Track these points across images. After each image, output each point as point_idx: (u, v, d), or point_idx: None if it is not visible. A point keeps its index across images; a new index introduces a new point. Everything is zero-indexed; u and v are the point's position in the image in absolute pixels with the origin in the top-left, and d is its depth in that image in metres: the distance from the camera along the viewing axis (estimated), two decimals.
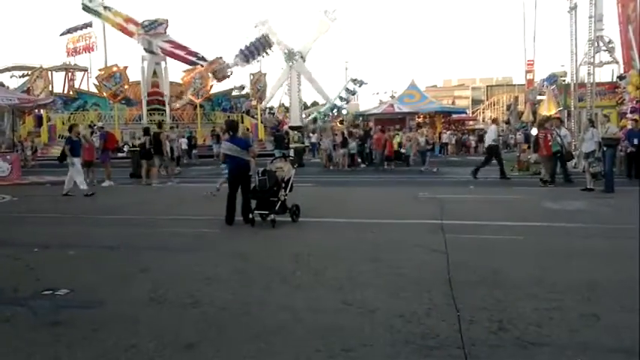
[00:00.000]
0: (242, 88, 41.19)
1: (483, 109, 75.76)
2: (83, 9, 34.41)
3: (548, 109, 29.43)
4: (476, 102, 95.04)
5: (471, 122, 55.50)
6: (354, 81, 44.93)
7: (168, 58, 34.92)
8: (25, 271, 6.13)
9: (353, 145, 23.87)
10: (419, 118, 38.32)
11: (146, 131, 17.26)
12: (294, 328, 4.32)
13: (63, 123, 31.08)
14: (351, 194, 14.32)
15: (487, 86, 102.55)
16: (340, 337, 4.13)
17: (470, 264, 6.29)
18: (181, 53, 34.44)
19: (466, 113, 60.57)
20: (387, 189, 15.32)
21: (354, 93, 45.28)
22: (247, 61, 39.23)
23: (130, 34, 34.07)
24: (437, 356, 3.78)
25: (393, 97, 45.12)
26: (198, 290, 5.38)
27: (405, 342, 4.00)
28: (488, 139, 17.68)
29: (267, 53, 39.48)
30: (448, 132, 36.90)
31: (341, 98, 45.33)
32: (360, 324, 4.40)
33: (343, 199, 12.93)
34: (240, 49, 39.04)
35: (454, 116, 47.22)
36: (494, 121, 20.15)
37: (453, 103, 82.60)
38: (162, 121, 25.94)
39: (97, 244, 7.66)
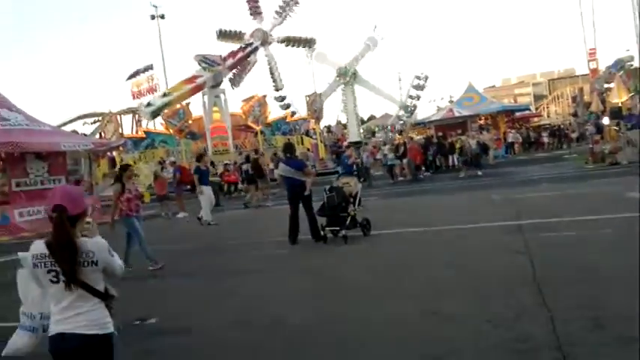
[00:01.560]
0: (282, 98, 41.70)
1: (547, 104, 72.88)
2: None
3: (618, 96, 27.99)
4: (538, 98, 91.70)
5: (535, 119, 53.50)
6: (419, 77, 43.93)
7: (227, 91, 36.14)
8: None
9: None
10: (480, 120, 37.39)
11: (247, 158, 18.14)
12: (378, 342, 4.28)
13: (134, 162, 32.62)
14: (420, 203, 14.12)
15: (549, 80, 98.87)
16: (427, 346, 4.05)
17: (555, 262, 6.03)
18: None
19: (530, 110, 58.42)
20: (457, 195, 14.98)
21: (422, 88, 43.96)
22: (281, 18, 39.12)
23: (199, 88, 34.95)
24: (532, 359, 3.63)
25: (451, 101, 44.31)
26: (281, 310, 5.46)
27: (495, 347, 3.88)
28: None
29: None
30: (513, 131, 35.76)
31: (410, 97, 44.38)
32: (446, 332, 4.30)
33: (412, 209, 12.76)
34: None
35: (517, 114, 45.69)
36: None
37: (515, 101, 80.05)
38: (257, 149, 26.70)
39: (180, 271, 7.96)
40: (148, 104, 32.04)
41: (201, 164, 14.25)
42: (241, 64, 36.89)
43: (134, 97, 47.41)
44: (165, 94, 33.84)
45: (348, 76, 45.15)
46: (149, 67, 45.16)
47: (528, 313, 4.48)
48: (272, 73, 38.73)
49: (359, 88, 45.52)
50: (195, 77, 34.71)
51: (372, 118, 64.72)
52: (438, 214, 11.30)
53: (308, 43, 39.41)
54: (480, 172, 20.56)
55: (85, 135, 35.28)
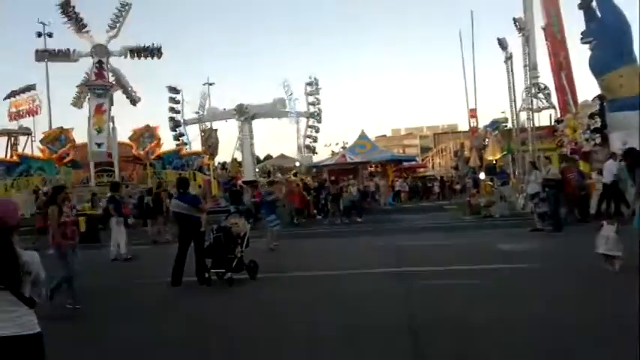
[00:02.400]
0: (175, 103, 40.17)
1: (432, 156, 77.88)
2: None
3: (493, 153, 30.52)
4: (424, 149, 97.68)
5: (421, 169, 56.81)
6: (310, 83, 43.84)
7: (116, 119, 34.45)
8: None
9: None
10: (371, 167, 38.94)
11: (149, 192, 18.14)
12: None
13: (6, 189, 29.85)
14: (307, 246, 14.20)
15: (434, 134, 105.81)
16: None
17: (430, 310, 6.26)
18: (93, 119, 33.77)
19: (416, 161, 62.06)
20: (344, 240, 15.28)
21: (314, 94, 43.52)
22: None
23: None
24: None
25: (344, 147, 45.80)
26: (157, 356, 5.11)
27: None
28: (608, 175, 14.07)
29: None
30: (400, 179, 37.58)
31: (310, 104, 44.07)
32: None
33: (300, 252, 12.78)
34: None
35: (405, 164, 48.26)
36: (613, 155, 14.61)
37: (403, 151, 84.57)
38: (161, 179, 25.44)
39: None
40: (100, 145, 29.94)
41: (116, 194, 13.53)
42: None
43: (11, 118, 43.81)
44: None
45: (245, 114, 45.22)
46: (31, 87, 42.16)
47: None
48: (125, 88, 36.46)
49: (257, 125, 45.68)
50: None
51: (268, 157, 64.88)
52: (322, 258, 11.40)
53: (154, 51, 37.11)
54: (359, 219, 20.58)
55: None
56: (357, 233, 16.63)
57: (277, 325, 6.19)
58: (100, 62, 33.68)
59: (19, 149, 39.38)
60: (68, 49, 33.43)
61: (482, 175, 25.49)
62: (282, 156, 59.62)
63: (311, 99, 42.11)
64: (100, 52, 33.57)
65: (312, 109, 42.30)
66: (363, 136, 42.94)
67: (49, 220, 7.76)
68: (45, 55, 33.03)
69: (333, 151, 52.82)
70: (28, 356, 2.88)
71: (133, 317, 7.01)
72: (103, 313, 7.32)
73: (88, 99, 33.35)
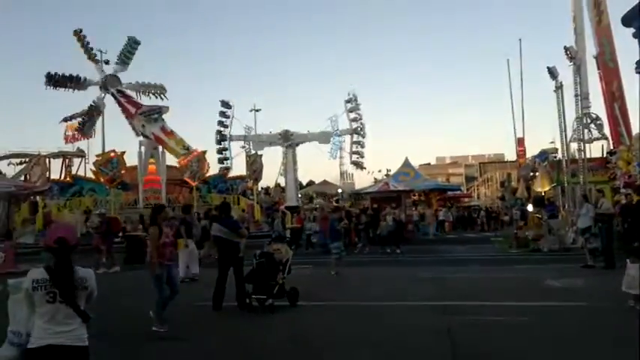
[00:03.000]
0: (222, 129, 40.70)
1: (477, 186, 76.50)
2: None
3: (541, 185, 29.70)
4: (469, 179, 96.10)
5: (466, 199, 55.80)
6: (349, 100, 43.80)
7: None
8: None
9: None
10: (414, 195, 38.52)
11: (206, 215, 16.84)
12: None
13: (59, 209, 31.02)
14: (348, 275, 14.04)
15: (480, 163, 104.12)
16: None
17: (475, 348, 6.06)
18: (170, 142, 34.71)
19: (461, 190, 61.01)
20: (386, 269, 15.05)
21: (355, 110, 43.44)
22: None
23: (131, 115, 34.72)
24: None
25: (387, 175, 45.57)
26: None
27: None
28: None
29: None
30: (443, 209, 37.00)
31: (353, 120, 43.96)
32: None
33: (340, 281, 12.67)
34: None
35: (449, 193, 47.53)
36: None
37: (448, 180, 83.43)
38: (206, 202, 26.06)
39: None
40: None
41: (187, 216, 13.70)
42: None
43: (67, 141, 45.79)
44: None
45: (290, 141, 45.80)
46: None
47: None
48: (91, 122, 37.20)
49: (301, 152, 46.13)
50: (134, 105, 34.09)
51: (310, 183, 65.25)
52: (362, 288, 11.26)
53: (159, 89, 37.89)
54: (398, 250, 19.73)
55: (8, 176, 33.41)
56: (398, 263, 16.39)
57: (311, 354, 6.12)
58: (120, 91, 35.06)
59: (73, 170, 40.95)
60: (78, 76, 33.97)
61: (529, 207, 24.79)
62: (325, 182, 59.82)
63: (352, 115, 42.18)
64: (112, 82, 34.82)
65: (354, 124, 42.34)
66: (407, 164, 42.69)
67: (148, 240, 7.74)
68: (55, 79, 33.28)
69: (375, 179, 52.67)
70: None
71: (170, 336, 7.07)
72: (143, 334, 7.40)
73: (142, 126, 34.59)
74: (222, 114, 43.52)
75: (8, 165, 46.00)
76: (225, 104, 43.45)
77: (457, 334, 6.65)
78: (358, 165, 43.37)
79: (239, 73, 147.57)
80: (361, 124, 42.41)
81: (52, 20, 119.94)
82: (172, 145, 34.23)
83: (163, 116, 35.66)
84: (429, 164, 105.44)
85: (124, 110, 35.54)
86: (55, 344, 3.19)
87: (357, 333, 7.03)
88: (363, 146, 43.21)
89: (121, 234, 21.74)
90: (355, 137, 43.14)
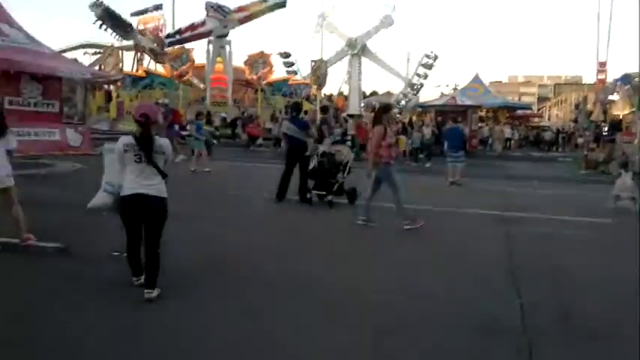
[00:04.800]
0: (287, 55, 41.00)
1: (550, 107, 72.84)
2: None
3: (622, 109, 28.01)
4: (542, 99, 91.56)
5: (536, 119, 53.52)
6: (428, 56, 43.55)
7: (232, 43, 35.52)
8: (93, 232, 6.41)
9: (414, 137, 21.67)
10: (481, 112, 37.28)
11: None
12: (346, 306, 4.31)
13: (130, 100, 32.21)
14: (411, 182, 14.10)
15: (555, 84, 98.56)
16: (393, 318, 4.09)
17: (533, 256, 6.10)
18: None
19: (531, 109, 58.39)
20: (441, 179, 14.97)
21: (430, 67, 43.65)
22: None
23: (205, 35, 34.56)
24: (497, 340, 3.69)
25: (455, 89, 44.10)
26: (259, 263, 5.49)
27: (462, 325, 3.93)
28: None
29: None
30: (510, 127, 35.76)
31: (418, 75, 44.11)
32: (410, 307, 4.34)
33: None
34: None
35: (519, 112, 45.68)
36: None
37: (519, 99, 79.87)
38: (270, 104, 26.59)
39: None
40: None
41: (326, 116, 13.48)
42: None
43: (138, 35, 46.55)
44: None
45: (356, 49, 44.69)
46: (159, 7, 44.20)
47: (498, 299, 4.54)
48: None
49: (366, 61, 45.10)
50: (202, 25, 34.18)
51: (374, 93, 64.18)
52: (425, 194, 11.32)
53: None
54: (427, 164, 18.98)
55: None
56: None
57: (370, 247, 6.36)
58: None
59: (144, 64, 41.86)
60: None
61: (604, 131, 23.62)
62: (389, 93, 58.62)
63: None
64: None
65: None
66: (476, 80, 40.97)
67: (371, 139, 7.50)
68: None
69: (442, 93, 51.12)
70: (157, 211, 4.23)
71: (235, 221, 7.51)
72: (214, 217, 7.87)
73: (206, 17, 34.41)
74: None
75: (84, 55, 47.58)
76: None
77: (514, 242, 6.69)
78: (415, 89, 42.72)
79: None
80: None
81: None
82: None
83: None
84: (500, 82, 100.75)
85: None
86: (143, 193, 4.15)
87: (412, 233, 7.17)
88: (430, 67, 42.40)
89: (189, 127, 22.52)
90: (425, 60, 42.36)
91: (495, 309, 4.25)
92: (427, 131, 21.10)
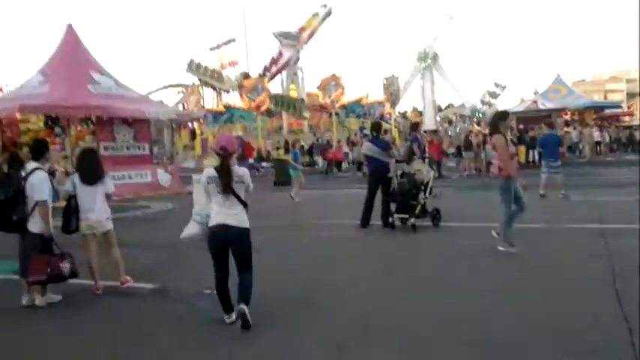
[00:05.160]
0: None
1: None
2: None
3: None
4: (631, 95, 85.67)
5: (626, 118, 50.13)
6: (497, 85, 42.69)
7: (305, 69, 36.61)
8: (186, 270, 6.71)
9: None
10: (566, 115, 35.50)
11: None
12: (441, 338, 4.20)
13: (213, 136, 33.64)
14: (489, 198, 13.60)
15: None
16: (496, 348, 3.93)
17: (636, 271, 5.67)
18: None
19: (621, 108, 54.74)
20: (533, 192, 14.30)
21: (496, 96, 42.90)
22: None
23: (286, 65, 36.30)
24: None
25: (536, 93, 42.36)
26: (345, 292, 5.50)
27: (567, 353, 3.71)
28: None
29: None
30: (600, 129, 33.65)
31: (482, 102, 43.30)
32: (517, 334, 4.15)
33: (486, 203, 12.36)
34: None
35: (607, 111, 43.00)
36: None
37: (605, 97, 75.34)
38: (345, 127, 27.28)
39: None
40: None
41: (416, 133, 13.07)
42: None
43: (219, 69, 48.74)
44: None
45: (427, 60, 44.18)
46: (231, 40, 46.19)
47: (603, 323, 4.25)
48: None
49: (438, 74, 44.52)
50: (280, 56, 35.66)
51: (450, 106, 62.95)
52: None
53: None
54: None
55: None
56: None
57: (457, 272, 6.17)
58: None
59: (223, 99, 43.66)
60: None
61: None
62: (464, 105, 57.22)
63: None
64: None
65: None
66: (558, 80, 39.10)
67: (497, 150, 6.94)
68: None
69: (522, 98, 49.22)
70: (241, 242, 4.46)
71: (319, 251, 7.57)
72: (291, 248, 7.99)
73: (279, 46, 35.60)
74: None
75: (167, 95, 50.45)
76: None
77: (615, 259, 6.26)
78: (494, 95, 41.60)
79: None
80: None
81: None
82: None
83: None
84: (583, 81, 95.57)
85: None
86: (226, 223, 4.40)
87: (503, 254, 6.89)
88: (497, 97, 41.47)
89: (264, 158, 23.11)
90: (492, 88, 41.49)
91: (601, 336, 3.98)
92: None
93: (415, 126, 14.53)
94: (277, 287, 5.68)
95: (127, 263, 6.12)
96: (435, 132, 34.56)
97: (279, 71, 37.32)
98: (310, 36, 37.53)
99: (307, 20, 37.62)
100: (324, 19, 37.91)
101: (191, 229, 5.04)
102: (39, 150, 5.73)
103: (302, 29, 37.46)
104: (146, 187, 17.49)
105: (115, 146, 17.73)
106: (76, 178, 5.94)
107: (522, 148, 18.01)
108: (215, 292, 4.66)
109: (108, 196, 6.12)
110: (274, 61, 37.04)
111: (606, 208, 10.15)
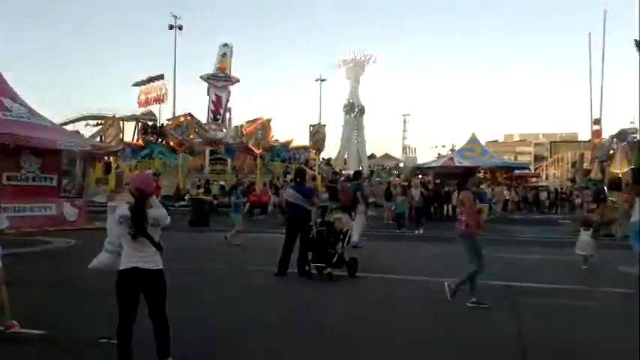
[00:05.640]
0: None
1: (547, 166, 73.30)
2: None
3: (620, 167, 28.08)
4: (538, 158, 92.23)
5: (533, 179, 53.72)
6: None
7: (233, 111, 36.53)
8: (81, 315, 6.15)
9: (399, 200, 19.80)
10: (479, 173, 37.45)
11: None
12: None
13: (130, 170, 32.39)
14: (407, 250, 13.86)
15: (550, 142, 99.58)
16: None
17: (542, 332, 5.81)
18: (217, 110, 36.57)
19: (529, 169, 58.74)
20: (442, 246, 14.72)
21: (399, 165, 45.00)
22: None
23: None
24: None
25: (452, 149, 44.58)
26: (251, 343, 5.22)
27: None
28: None
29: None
30: (507, 189, 35.65)
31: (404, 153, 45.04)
32: None
33: (400, 255, 12.53)
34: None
35: (516, 172, 45.91)
36: None
37: (515, 158, 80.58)
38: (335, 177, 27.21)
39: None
40: None
41: (359, 181, 13.41)
42: None
43: (140, 105, 47.65)
44: None
45: (354, 112, 45.54)
46: (160, 77, 45.51)
47: None
48: None
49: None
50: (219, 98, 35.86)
51: (372, 156, 64.82)
52: (426, 262, 11.08)
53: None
54: (418, 231, 17.68)
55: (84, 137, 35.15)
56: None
57: (370, 325, 6.07)
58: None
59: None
60: None
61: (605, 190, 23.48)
62: (386, 155, 59.19)
63: None
64: None
65: None
66: (473, 140, 41.47)
67: (463, 206, 6.96)
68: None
69: (439, 154, 51.60)
70: (154, 284, 4.16)
71: (234, 300, 7.23)
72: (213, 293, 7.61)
73: (208, 88, 35.49)
74: None
75: (85, 126, 48.46)
76: None
77: (522, 316, 6.41)
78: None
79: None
80: None
81: None
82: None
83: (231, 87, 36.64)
84: (496, 141, 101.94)
85: None
86: (137, 266, 4.11)
87: (415, 307, 6.90)
88: None
89: (187, 197, 22.45)
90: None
91: None
92: (415, 193, 19.78)
93: (357, 175, 14.67)
94: (188, 332, 5.28)
95: (15, 305, 5.50)
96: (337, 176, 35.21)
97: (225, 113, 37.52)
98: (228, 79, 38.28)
99: (219, 60, 38.35)
100: (230, 56, 39.12)
101: (102, 258, 4.82)
102: None
103: (221, 69, 38.01)
104: (50, 221, 16.40)
105: (19, 176, 16.61)
106: None
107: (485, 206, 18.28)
108: (112, 341, 4.25)
109: None
110: (217, 104, 37.20)
111: (511, 265, 10.54)
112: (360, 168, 46.51)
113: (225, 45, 38.98)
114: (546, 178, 61.50)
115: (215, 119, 37.45)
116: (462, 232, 6.99)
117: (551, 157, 79.53)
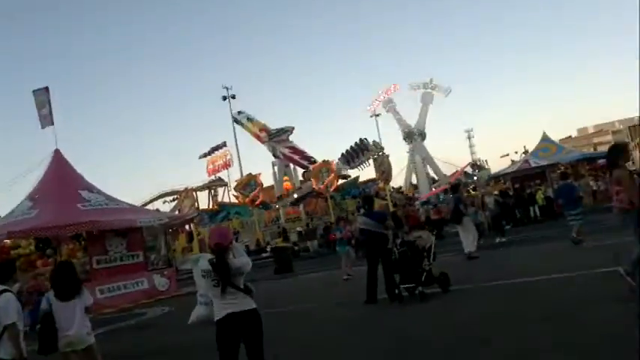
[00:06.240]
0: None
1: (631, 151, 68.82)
2: (234, 121, 39.78)
3: None
4: None
5: None
6: (474, 166, 43.58)
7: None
8: None
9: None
10: (559, 169, 35.55)
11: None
12: None
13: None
14: (503, 256, 13.13)
15: (629, 127, 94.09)
16: None
17: None
18: (296, 157, 36.93)
19: None
20: (535, 246, 13.83)
21: (472, 178, 43.77)
22: (349, 165, 39.55)
23: (262, 141, 37.50)
24: None
25: (525, 152, 42.77)
26: None
27: None
28: None
29: (366, 156, 38.27)
30: (593, 179, 33.52)
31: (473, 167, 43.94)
32: None
33: (493, 263, 11.87)
34: (342, 154, 39.77)
35: (600, 162, 43.20)
36: None
37: (595, 149, 76.29)
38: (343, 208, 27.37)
39: None
40: None
41: (458, 194, 13.64)
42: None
43: (210, 174, 49.54)
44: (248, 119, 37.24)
45: (414, 138, 45.07)
46: (223, 145, 47.31)
47: None
48: None
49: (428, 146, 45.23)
50: (265, 131, 37.55)
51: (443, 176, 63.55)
52: (520, 264, 10.41)
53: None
54: (499, 239, 16.29)
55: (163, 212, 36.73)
56: (552, 238, 15.02)
57: (476, 337, 5.63)
58: None
59: (219, 199, 43.92)
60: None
61: None
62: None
63: None
64: None
65: None
66: (545, 139, 39.48)
67: (619, 185, 6.06)
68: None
69: (512, 160, 49.67)
70: (251, 325, 4.09)
71: (328, 333, 6.99)
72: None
73: (272, 148, 36.54)
74: None
75: (163, 203, 50.85)
76: None
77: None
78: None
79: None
80: None
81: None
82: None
83: (290, 136, 37.41)
84: (570, 137, 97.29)
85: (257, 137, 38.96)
86: (232, 312, 4.06)
87: (525, 310, 6.39)
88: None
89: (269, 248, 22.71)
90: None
91: None
92: (489, 200, 18.70)
93: (457, 187, 14.41)
94: None
95: None
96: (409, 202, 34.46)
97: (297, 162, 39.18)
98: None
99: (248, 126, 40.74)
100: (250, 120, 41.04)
101: (198, 311, 4.76)
102: (5, 272, 5.35)
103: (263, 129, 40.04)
104: (143, 294, 16.94)
105: (108, 258, 17.41)
106: (50, 295, 5.50)
107: None
108: None
109: (87, 310, 5.65)
110: (291, 157, 38.72)
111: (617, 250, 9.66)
112: (432, 189, 45.64)
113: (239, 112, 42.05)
114: (632, 163, 57.64)
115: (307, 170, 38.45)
116: (626, 210, 6.03)
117: (632, 141, 74.83)
